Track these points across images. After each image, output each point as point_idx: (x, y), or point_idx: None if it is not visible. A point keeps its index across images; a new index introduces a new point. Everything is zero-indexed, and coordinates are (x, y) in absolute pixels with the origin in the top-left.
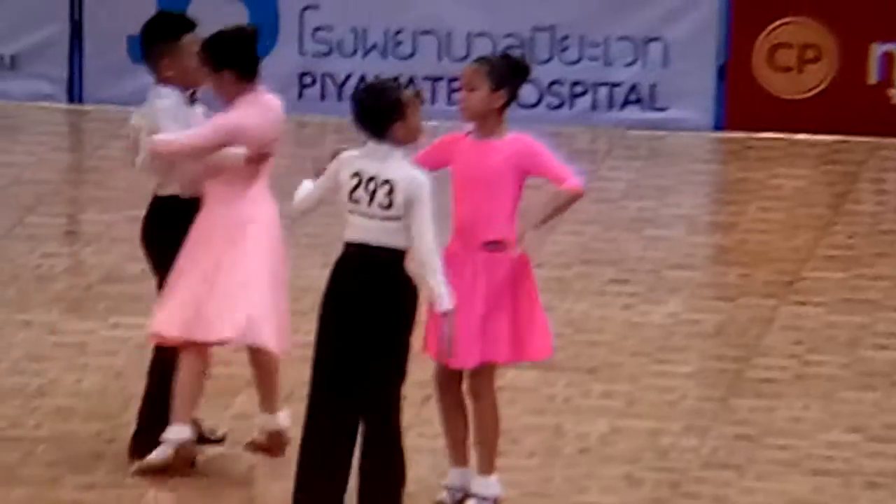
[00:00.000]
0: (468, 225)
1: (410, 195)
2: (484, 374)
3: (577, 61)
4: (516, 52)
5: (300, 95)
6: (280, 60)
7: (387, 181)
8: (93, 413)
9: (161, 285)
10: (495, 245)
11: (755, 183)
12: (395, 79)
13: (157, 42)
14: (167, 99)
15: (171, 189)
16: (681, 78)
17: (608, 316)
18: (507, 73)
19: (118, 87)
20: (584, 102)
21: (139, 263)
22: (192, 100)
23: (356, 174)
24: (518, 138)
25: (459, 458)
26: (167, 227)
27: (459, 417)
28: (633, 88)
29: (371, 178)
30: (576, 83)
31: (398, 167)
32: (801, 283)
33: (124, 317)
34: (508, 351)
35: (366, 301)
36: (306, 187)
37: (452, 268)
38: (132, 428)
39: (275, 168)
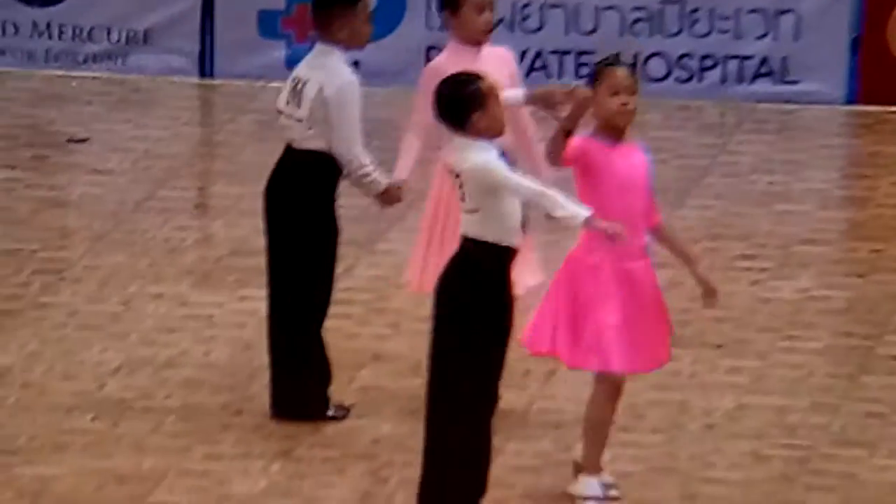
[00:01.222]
0: (627, 231)
1: (480, 184)
2: None
3: (707, 34)
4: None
5: None
6: (407, 34)
7: (458, 175)
8: (221, 385)
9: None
10: (647, 250)
11: (889, 157)
12: (475, 73)
13: (336, 4)
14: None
15: None
16: (813, 51)
17: (736, 291)
18: None
19: (248, 62)
20: (714, 76)
21: None
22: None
23: (450, 172)
24: (641, 146)
25: None
26: None
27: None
28: (763, 61)
29: (457, 174)
30: (705, 56)
31: (466, 158)
32: None
33: (253, 289)
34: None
35: (452, 296)
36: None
37: (601, 276)
38: (259, 400)
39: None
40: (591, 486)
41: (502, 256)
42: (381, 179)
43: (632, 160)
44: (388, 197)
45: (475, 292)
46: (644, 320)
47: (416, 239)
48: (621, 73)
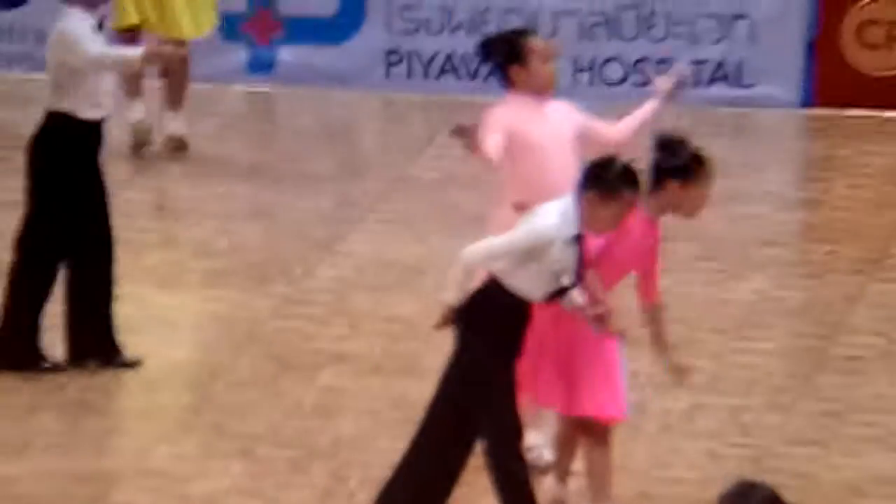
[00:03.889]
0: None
1: None
2: None
3: (663, 39)
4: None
5: (387, 73)
6: (367, 38)
7: None
8: (182, 385)
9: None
10: None
11: (843, 160)
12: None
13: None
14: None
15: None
16: (768, 55)
17: (692, 293)
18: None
19: (210, 65)
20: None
21: (229, 237)
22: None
23: None
24: None
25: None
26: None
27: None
28: (719, 66)
29: None
30: (661, 61)
31: None
32: (888, 260)
33: (213, 290)
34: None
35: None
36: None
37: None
38: (221, 400)
39: (363, 144)
40: None
41: (517, 308)
42: (133, 52)
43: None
44: (154, 56)
45: (486, 336)
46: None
47: None
48: None
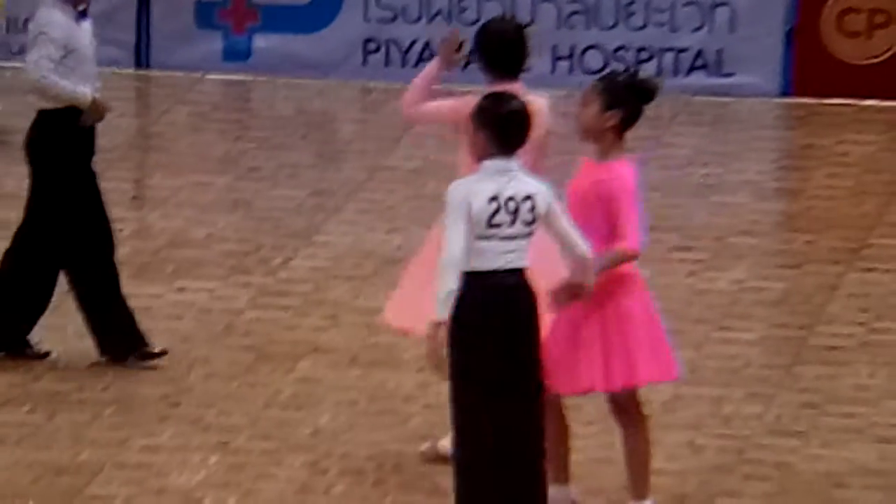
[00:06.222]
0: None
1: (547, 207)
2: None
3: (643, 27)
4: (645, 73)
5: (364, 61)
6: (345, 26)
7: (528, 196)
8: (159, 376)
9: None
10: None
11: (822, 149)
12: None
13: None
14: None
15: None
16: (748, 43)
17: (672, 283)
18: (622, 93)
19: (185, 53)
20: (650, 68)
21: (204, 228)
22: (83, 15)
23: (493, 198)
24: (620, 168)
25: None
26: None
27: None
28: (699, 54)
29: (510, 198)
30: (641, 49)
31: (532, 180)
32: (867, 249)
33: (190, 281)
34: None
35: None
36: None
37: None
38: (198, 391)
39: (341, 133)
40: None
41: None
42: (84, 95)
43: (587, 178)
44: (96, 109)
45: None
46: (598, 337)
47: (406, 276)
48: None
